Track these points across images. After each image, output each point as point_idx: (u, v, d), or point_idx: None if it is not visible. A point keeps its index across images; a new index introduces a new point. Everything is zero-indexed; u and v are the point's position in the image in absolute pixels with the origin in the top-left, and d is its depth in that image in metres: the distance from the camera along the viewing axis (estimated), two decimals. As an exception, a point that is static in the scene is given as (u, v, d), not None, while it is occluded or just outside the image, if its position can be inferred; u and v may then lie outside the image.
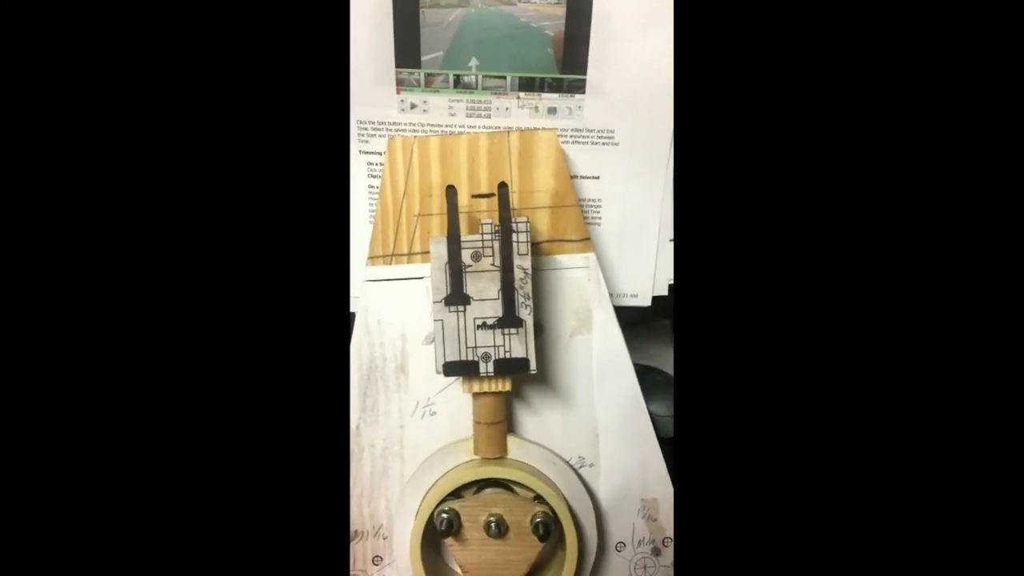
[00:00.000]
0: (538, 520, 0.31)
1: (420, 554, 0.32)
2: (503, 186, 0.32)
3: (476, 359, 0.31)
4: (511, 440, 0.33)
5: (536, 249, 0.34)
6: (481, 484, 0.33)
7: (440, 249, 0.31)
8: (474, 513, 0.31)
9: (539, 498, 0.32)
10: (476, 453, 0.33)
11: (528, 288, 0.31)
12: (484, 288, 0.31)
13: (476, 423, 0.33)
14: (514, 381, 0.32)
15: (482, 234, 0.31)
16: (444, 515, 0.31)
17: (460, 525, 0.31)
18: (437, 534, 0.32)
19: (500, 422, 0.33)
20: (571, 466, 0.34)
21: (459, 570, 0.33)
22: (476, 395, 0.32)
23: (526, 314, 0.31)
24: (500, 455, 0.33)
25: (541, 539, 0.31)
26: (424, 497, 0.33)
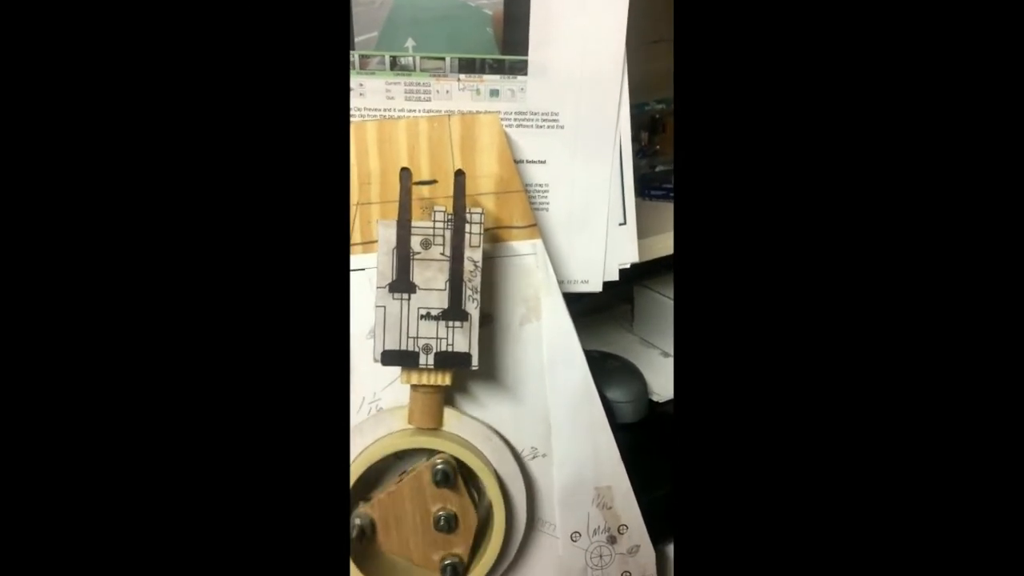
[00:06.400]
0: (438, 467, 0.31)
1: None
2: (460, 174, 0.31)
3: (416, 350, 0.30)
4: (449, 413, 0.32)
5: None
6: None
7: (388, 233, 0.29)
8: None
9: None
10: (410, 422, 0.32)
11: (476, 281, 0.30)
12: (431, 277, 0.30)
13: (413, 393, 0.32)
14: (457, 374, 0.32)
15: (434, 221, 0.30)
16: (357, 520, 0.31)
17: (374, 532, 0.32)
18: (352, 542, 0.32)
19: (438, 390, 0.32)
20: (509, 445, 0.33)
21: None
22: (415, 387, 0.31)
23: (472, 308, 0.30)
24: (435, 426, 0.32)
25: (438, 485, 0.31)
26: (351, 463, 0.32)
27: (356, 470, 0.31)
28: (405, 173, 0.31)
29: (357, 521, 0.31)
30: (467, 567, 0.32)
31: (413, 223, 0.30)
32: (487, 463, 0.32)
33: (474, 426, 0.33)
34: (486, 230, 0.33)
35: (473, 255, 0.30)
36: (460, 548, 0.32)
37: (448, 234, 0.30)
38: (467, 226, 0.30)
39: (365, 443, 0.32)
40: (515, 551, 0.34)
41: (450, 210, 0.30)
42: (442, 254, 0.30)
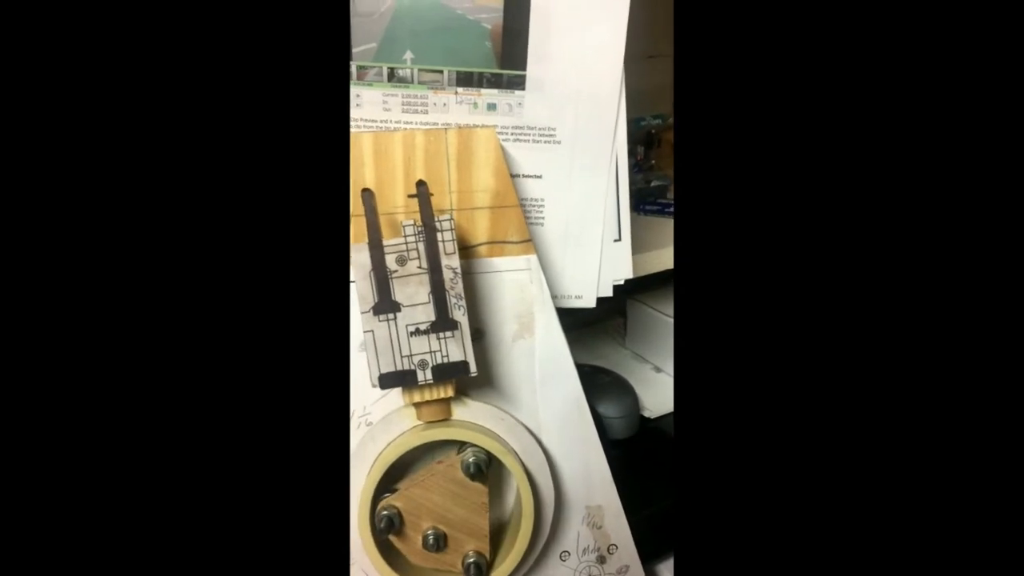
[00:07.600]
0: (469, 460, 0.31)
1: (372, 535, 0.31)
2: (421, 184, 0.31)
3: (413, 367, 0.29)
4: (455, 401, 0.32)
5: (476, 251, 0.32)
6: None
7: (362, 256, 0.29)
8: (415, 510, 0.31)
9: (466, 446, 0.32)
10: (419, 419, 0.32)
11: (459, 288, 0.30)
12: (413, 293, 0.29)
13: (417, 411, 0.32)
14: (456, 385, 0.31)
15: (405, 236, 0.29)
16: (384, 512, 0.31)
17: (402, 522, 0.31)
18: (378, 533, 0.31)
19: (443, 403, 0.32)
20: (520, 422, 0.33)
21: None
22: (418, 405, 0.31)
23: (460, 315, 0.30)
24: (444, 418, 0.32)
25: (473, 478, 0.31)
26: (369, 470, 0.31)
27: (374, 476, 0.31)
28: (367, 194, 0.30)
29: (384, 512, 0.31)
30: (490, 564, 0.32)
31: (384, 241, 0.29)
32: (504, 443, 0.32)
33: (483, 408, 0.32)
34: (482, 244, 0.32)
35: (451, 262, 0.30)
36: (478, 545, 0.32)
37: (421, 246, 0.29)
38: (439, 234, 0.29)
39: (379, 448, 0.31)
40: (548, 531, 0.33)
41: (419, 222, 0.30)
42: (419, 267, 0.29)
